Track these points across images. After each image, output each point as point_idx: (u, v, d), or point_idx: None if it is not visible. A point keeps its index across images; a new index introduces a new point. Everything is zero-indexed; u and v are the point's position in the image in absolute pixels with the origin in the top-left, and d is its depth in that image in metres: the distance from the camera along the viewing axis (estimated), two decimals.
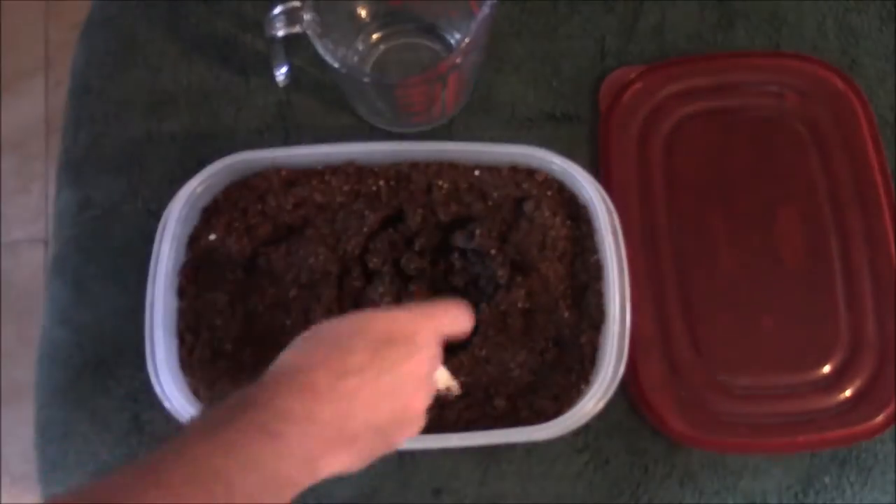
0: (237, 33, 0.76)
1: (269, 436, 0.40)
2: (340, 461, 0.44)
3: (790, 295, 0.66)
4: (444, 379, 0.56)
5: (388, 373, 0.45)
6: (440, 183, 0.64)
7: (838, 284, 0.66)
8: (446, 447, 0.64)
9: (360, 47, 0.72)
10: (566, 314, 0.61)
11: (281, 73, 0.71)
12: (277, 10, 0.62)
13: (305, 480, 0.42)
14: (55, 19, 1.38)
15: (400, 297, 0.63)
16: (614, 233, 0.60)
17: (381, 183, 0.65)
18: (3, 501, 1.24)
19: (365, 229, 0.64)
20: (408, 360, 0.46)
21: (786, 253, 0.67)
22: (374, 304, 0.62)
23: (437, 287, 0.64)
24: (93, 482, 0.38)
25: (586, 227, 0.63)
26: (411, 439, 0.58)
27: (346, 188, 0.65)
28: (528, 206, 0.63)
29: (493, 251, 0.63)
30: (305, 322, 0.63)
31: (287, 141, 0.73)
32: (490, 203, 0.64)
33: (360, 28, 0.71)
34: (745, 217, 0.68)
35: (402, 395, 0.46)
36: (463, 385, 0.59)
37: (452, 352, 0.61)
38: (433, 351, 0.48)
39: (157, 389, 0.58)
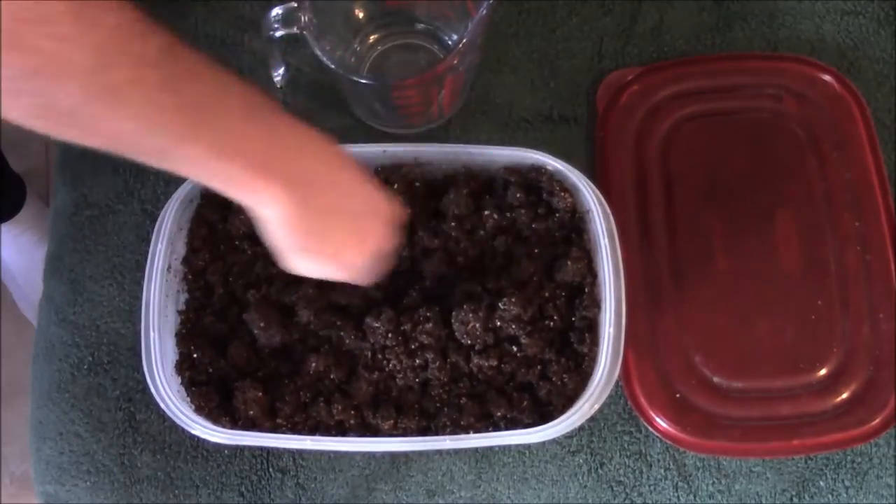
0: (235, 34, 0.76)
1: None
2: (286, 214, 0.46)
3: (786, 298, 0.66)
4: None
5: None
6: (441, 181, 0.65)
7: (834, 287, 0.66)
8: (440, 449, 0.64)
9: (358, 48, 0.72)
10: (560, 317, 0.61)
11: (278, 73, 0.71)
12: (275, 10, 0.62)
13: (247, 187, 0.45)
14: None
15: (399, 296, 0.63)
16: (610, 235, 0.60)
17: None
18: (2, 501, 1.25)
19: None
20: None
21: (782, 256, 0.67)
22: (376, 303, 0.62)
23: (433, 292, 0.64)
24: None
25: (582, 230, 0.63)
26: (406, 442, 0.58)
27: None
28: (524, 211, 0.63)
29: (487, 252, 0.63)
30: (304, 325, 0.62)
31: None
32: (487, 206, 0.64)
33: (358, 29, 0.71)
34: (741, 220, 0.68)
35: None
36: None
37: (444, 355, 0.61)
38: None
39: (153, 390, 0.58)
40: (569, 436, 0.65)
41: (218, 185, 0.45)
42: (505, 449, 0.66)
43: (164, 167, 0.42)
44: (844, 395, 0.64)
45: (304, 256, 0.50)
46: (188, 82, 0.40)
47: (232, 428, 0.59)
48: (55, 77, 0.35)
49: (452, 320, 0.60)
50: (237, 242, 0.65)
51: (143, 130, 0.39)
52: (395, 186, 0.64)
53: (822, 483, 0.64)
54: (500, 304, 0.59)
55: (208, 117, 0.41)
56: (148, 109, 0.38)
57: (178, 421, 0.57)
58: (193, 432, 0.57)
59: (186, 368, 0.61)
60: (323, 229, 0.49)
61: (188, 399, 0.60)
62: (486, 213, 0.64)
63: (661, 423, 0.64)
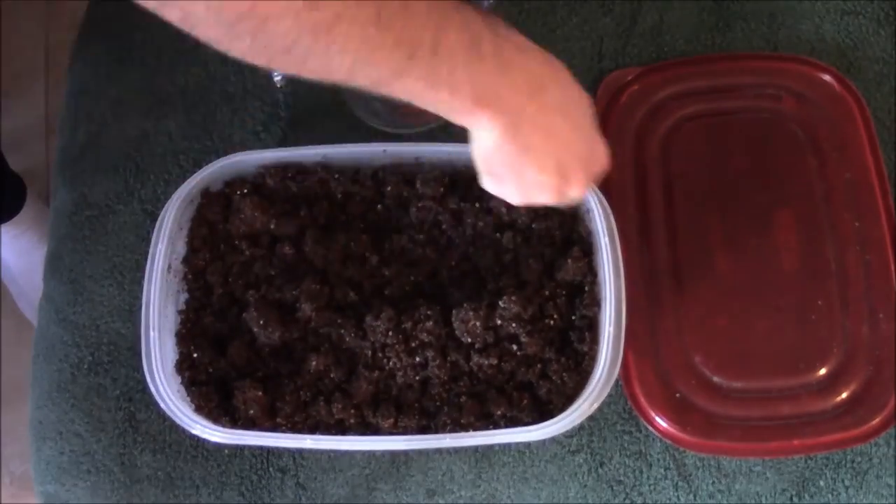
0: None
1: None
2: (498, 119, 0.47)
3: (785, 297, 0.66)
4: None
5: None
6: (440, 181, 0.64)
7: (834, 287, 0.66)
8: (440, 448, 0.64)
9: None
10: (560, 316, 0.61)
11: (278, 73, 0.71)
12: None
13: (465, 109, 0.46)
14: (55, 20, 1.38)
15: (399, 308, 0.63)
16: (610, 235, 0.60)
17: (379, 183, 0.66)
18: (2, 501, 1.24)
19: (362, 226, 0.65)
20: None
21: (782, 255, 0.67)
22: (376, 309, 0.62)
23: (435, 295, 0.64)
24: None
25: (582, 230, 0.63)
26: (406, 440, 0.58)
27: (343, 189, 0.65)
28: (523, 210, 0.63)
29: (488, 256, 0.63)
30: (305, 322, 0.62)
31: (284, 142, 0.73)
32: (486, 206, 0.64)
33: None
34: (741, 219, 0.68)
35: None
36: None
37: (444, 353, 0.61)
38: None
39: (152, 389, 0.58)
40: (569, 435, 0.65)
41: (434, 110, 0.46)
42: (505, 448, 0.66)
43: (381, 93, 0.43)
44: (844, 395, 0.64)
45: (493, 180, 0.52)
46: (401, 17, 0.40)
47: (232, 427, 0.59)
48: (269, 18, 0.36)
49: (453, 319, 0.60)
50: (237, 242, 0.65)
51: (357, 64, 0.40)
52: (389, 189, 0.64)
53: (822, 483, 0.64)
54: (500, 303, 0.60)
55: (423, 52, 0.41)
56: (360, 45, 0.39)
57: (178, 421, 0.58)
58: (193, 432, 0.57)
59: (186, 368, 0.61)
60: (522, 163, 0.49)
61: (188, 399, 0.60)
62: (488, 206, 0.64)
63: (661, 422, 0.64)
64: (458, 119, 0.47)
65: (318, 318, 0.61)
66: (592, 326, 0.61)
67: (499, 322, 0.60)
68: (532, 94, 0.47)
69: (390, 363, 0.60)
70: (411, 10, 0.40)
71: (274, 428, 0.60)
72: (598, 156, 0.53)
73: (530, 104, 0.47)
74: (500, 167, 0.50)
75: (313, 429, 0.60)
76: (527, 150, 0.48)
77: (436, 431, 0.60)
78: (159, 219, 0.62)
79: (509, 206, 0.64)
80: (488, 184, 0.53)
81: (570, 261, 0.61)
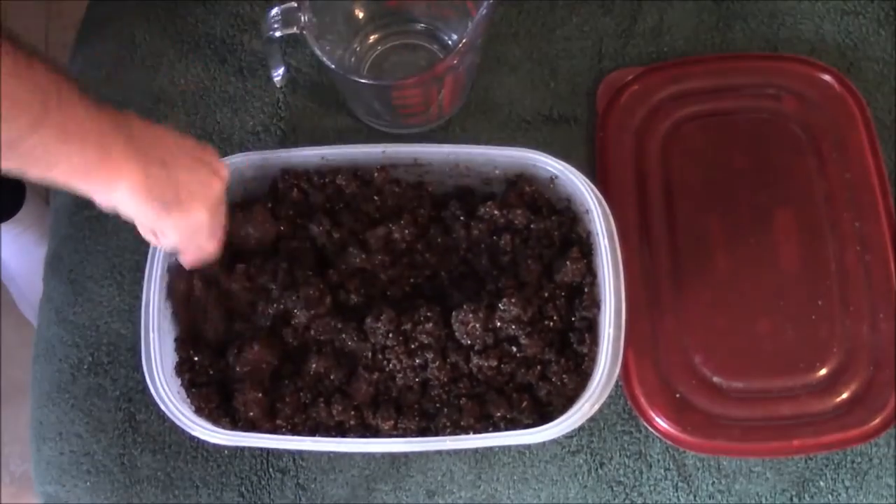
0: (234, 34, 0.76)
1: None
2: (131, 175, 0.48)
3: (786, 298, 0.66)
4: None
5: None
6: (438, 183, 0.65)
7: (834, 288, 0.66)
8: (440, 449, 0.64)
9: (357, 48, 0.72)
10: (560, 317, 0.61)
11: (278, 74, 0.71)
12: (275, 10, 0.62)
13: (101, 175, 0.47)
14: (55, 20, 1.38)
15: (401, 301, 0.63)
16: (610, 235, 0.60)
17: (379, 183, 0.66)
18: (2, 501, 1.24)
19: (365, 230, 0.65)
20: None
21: (782, 256, 0.67)
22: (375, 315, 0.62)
23: (435, 296, 0.64)
24: None
25: (581, 230, 0.63)
26: (405, 442, 0.58)
27: (345, 189, 0.65)
28: (520, 211, 0.63)
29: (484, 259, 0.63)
30: (303, 331, 0.62)
31: (284, 142, 0.73)
32: (486, 206, 0.64)
33: (357, 29, 0.71)
34: (741, 220, 0.68)
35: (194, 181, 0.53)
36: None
37: (444, 355, 0.60)
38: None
39: (152, 391, 0.58)
40: (569, 436, 0.65)
41: (62, 177, 0.45)
42: (505, 449, 0.66)
43: (8, 165, 0.42)
44: (844, 395, 0.64)
45: (167, 215, 0.51)
46: (29, 68, 0.40)
47: (232, 429, 0.59)
48: None
49: (452, 320, 0.60)
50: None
51: None
52: (397, 190, 0.64)
53: (822, 483, 0.64)
54: (499, 305, 0.60)
55: (52, 103, 0.42)
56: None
57: (178, 422, 0.57)
58: (193, 433, 0.57)
59: (186, 370, 0.61)
60: (171, 180, 0.50)
61: (188, 400, 0.60)
62: (484, 211, 0.64)
63: (661, 423, 0.64)
64: (87, 182, 0.47)
65: (317, 324, 0.61)
66: (592, 328, 0.61)
67: (498, 324, 0.60)
68: (131, 126, 0.48)
69: (390, 365, 0.60)
70: (34, 64, 0.41)
71: (274, 429, 0.60)
72: (210, 156, 0.55)
73: (140, 136, 0.48)
74: (164, 191, 0.50)
75: (313, 430, 0.60)
76: (167, 166, 0.50)
77: (436, 433, 0.60)
78: None
79: (505, 209, 0.64)
80: (170, 223, 0.53)
81: (569, 262, 0.61)
